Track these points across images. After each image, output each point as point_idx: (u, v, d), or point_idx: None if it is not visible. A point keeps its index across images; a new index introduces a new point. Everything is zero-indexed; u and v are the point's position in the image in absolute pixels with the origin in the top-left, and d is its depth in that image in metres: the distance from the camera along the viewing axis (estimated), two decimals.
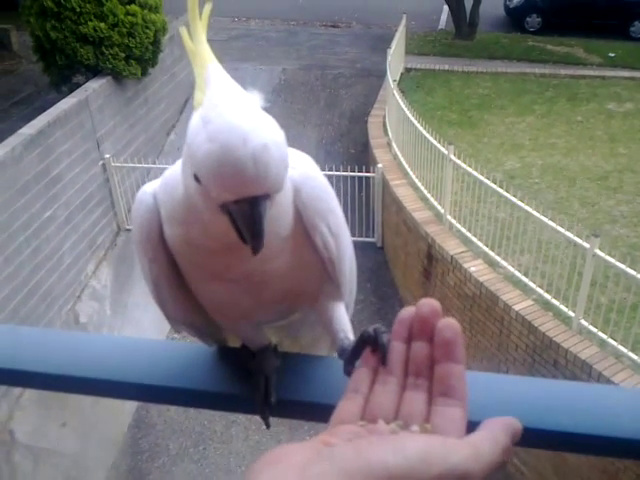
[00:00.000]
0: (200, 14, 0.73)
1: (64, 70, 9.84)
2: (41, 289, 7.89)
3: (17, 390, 7.06)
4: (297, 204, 0.81)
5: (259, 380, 0.87)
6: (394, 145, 9.80)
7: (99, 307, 8.89)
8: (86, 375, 0.90)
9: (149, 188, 0.84)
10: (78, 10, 9.38)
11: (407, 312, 0.62)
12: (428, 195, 8.41)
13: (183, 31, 0.72)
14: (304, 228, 0.83)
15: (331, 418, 0.59)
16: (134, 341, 1.04)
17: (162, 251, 0.83)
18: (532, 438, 0.72)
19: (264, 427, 0.88)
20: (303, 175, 0.82)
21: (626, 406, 0.78)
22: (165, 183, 0.82)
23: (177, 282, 0.87)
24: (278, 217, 0.75)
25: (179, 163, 0.76)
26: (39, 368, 0.92)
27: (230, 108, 0.66)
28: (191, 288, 0.88)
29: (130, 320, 8.93)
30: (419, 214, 8.17)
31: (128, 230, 9.84)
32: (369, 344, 0.68)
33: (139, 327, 8.76)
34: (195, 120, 0.67)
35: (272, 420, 0.86)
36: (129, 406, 8.02)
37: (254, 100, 0.68)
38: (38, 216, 7.89)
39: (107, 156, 9.39)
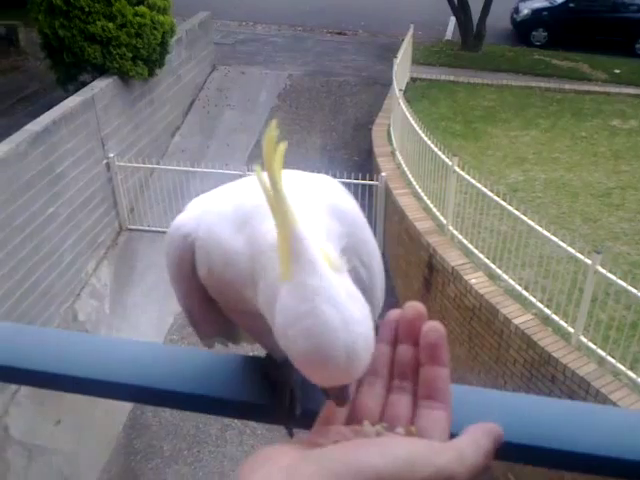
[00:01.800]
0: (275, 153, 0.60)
1: (71, 68, 9.86)
2: (40, 286, 7.88)
3: (13, 386, 7.05)
4: None
5: (284, 391, 0.86)
6: (398, 154, 9.82)
7: (98, 306, 8.88)
8: (107, 379, 0.90)
9: (185, 220, 0.78)
10: (87, 9, 9.41)
11: (393, 315, 0.63)
12: (431, 205, 8.42)
13: (262, 178, 0.60)
14: None
15: (317, 418, 0.61)
16: (157, 347, 1.04)
17: (195, 282, 0.81)
18: (517, 452, 0.75)
19: (259, 431, 0.88)
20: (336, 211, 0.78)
21: (611, 425, 0.80)
22: (209, 229, 0.75)
23: (210, 307, 0.86)
24: None
25: (221, 199, 0.74)
26: (62, 370, 0.92)
27: (323, 302, 0.60)
28: (224, 312, 0.87)
29: (129, 320, 8.92)
30: (421, 224, 8.18)
31: (130, 230, 9.83)
32: None
33: (138, 327, 8.75)
34: (287, 301, 0.61)
35: (265, 424, 0.86)
36: (124, 406, 8.00)
37: (343, 281, 0.62)
38: (40, 213, 7.89)
39: (111, 155, 9.40)
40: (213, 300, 0.85)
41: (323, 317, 0.60)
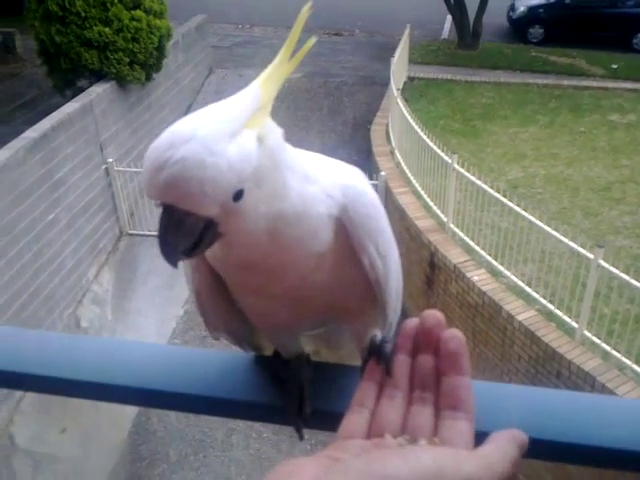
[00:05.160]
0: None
1: (68, 74, 9.85)
2: (42, 293, 7.86)
3: (18, 394, 7.03)
4: (345, 222, 0.79)
5: (293, 390, 0.86)
6: (397, 153, 9.81)
7: (100, 311, 8.86)
8: (116, 382, 0.89)
9: None
10: (83, 15, 9.40)
11: (411, 324, 0.63)
12: (431, 203, 8.41)
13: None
14: (350, 245, 0.80)
15: (337, 432, 0.59)
16: (160, 348, 1.03)
17: (204, 260, 0.82)
18: (536, 449, 0.72)
19: (265, 435, 0.87)
20: (352, 191, 0.80)
21: (632, 417, 0.78)
22: None
23: (219, 292, 0.86)
24: (303, 232, 0.74)
25: None
26: (79, 375, 0.90)
27: (194, 117, 0.66)
28: (233, 297, 0.87)
29: (132, 325, 8.91)
30: (422, 222, 8.17)
31: (130, 235, 9.82)
32: (374, 354, 0.68)
33: (140, 332, 8.74)
34: None
35: (271, 427, 0.85)
36: (129, 412, 7.98)
37: (240, 116, 0.67)
38: (40, 220, 7.87)
39: (110, 160, 9.39)
40: (224, 285, 0.85)
41: (183, 121, 0.66)
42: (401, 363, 0.62)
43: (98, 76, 9.76)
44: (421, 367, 0.61)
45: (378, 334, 0.89)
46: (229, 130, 0.65)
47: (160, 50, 10.21)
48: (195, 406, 0.92)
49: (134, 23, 9.68)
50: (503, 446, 0.53)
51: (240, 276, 0.80)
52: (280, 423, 0.88)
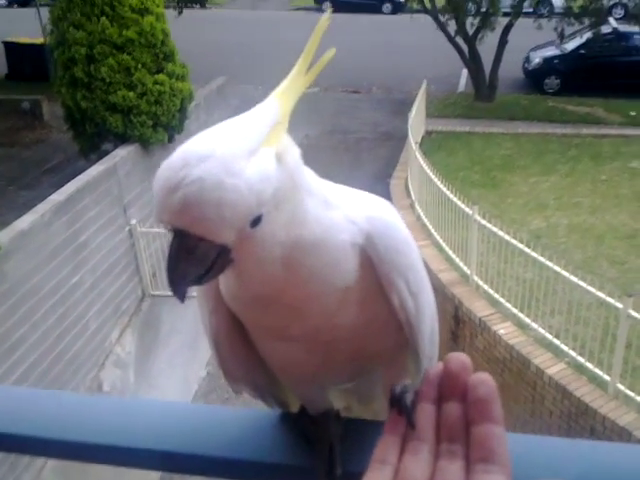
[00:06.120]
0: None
1: (93, 138, 10.10)
2: (66, 356, 7.87)
3: (39, 462, 6.95)
4: (370, 254, 0.73)
5: (322, 449, 0.79)
6: (417, 206, 9.81)
7: (123, 374, 8.82)
8: (132, 445, 0.84)
9: None
10: (108, 80, 9.69)
11: (435, 369, 0.57)
12: (453, 256, 8.34)
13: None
14: (378, 283, 0.74)
15: None
16: (181, 407, 0.98)
17: (222, 303, 0.77)
18: None
19: None
20: (380, 223, 0.75)
21: None
22: None
23: (238, 337, 0.81)
24: (322, 263, 0.68)
25: None
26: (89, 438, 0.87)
27: (208, 134, 0.61)
28: (254, 345, 0.81)
29: (154, 387, 8.83)
30: (445, 275, 8.09)
31: (153, 295, 9.85)
32: (393, 405, 0.61)
33: (163, 394, 8.66)
34: None
35: None
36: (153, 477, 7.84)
37: (259, 133, 0.62)
38: (65, 282, 7.94)
39: (134, 222, 9.50)
40: (244, 332, 0.80)
41: (194, 140, 0.61)
42: (425, 413, 0.56)
43: (122, 139, 9.99)
44: (448, 417, 0.55)
45: (402, 384, 0.81)
46: (248, 148, 0.60)
47: (182, 112, 10.45)
48: (215, 469, 0.85)
49: (157, 87, 9.95)
50: None
51: (257, 315, 0.74)
52: None
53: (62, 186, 8.46)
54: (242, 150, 0.59)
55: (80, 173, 8.93)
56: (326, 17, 0.66)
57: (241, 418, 0.88)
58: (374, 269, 0.73)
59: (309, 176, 0.70)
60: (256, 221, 0.61)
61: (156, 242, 9.76)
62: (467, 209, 7.93)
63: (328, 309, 0.71)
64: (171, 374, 8.91)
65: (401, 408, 0.59)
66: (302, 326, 0.73)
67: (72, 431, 0.88)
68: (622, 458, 0.74)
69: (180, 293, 0.63)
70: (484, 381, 0.54)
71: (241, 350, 0.82)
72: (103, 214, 8.90)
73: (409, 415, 0.57)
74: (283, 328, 0.73)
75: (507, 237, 7.39)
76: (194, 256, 0.61)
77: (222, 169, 0.57)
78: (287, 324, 0.73)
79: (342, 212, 0.72)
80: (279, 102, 0.66)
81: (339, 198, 0.74)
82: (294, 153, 0.67)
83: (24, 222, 7.38)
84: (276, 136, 0.64)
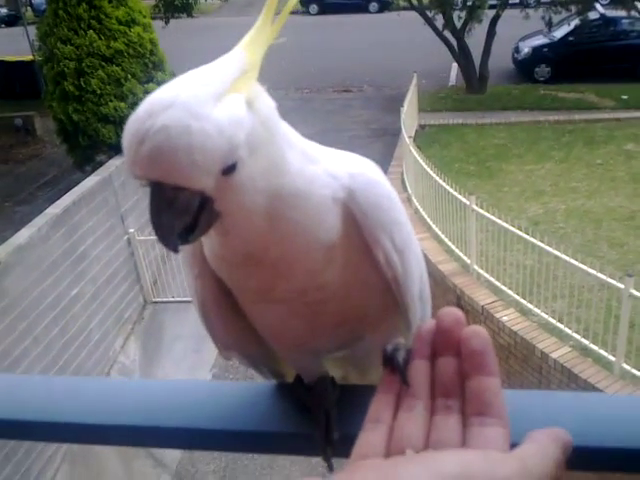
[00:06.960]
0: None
1: (87, 150, 10.13)
2: (71, 367, 7.86)
3: (50, 472, 6.95)
4: (353, 210, 0.72)
5: (319, 416, 0.79)
6: (414, 200, 9.81)
7: None
8: (130, 423, 0.84)
9: None
10: (99, 92, 9.72)
11: (427, 326, 0.56)
12: (453, 247, 8.34)
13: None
14: (363, 240, 0.73)
15: (352, 453, 0.53)
16: (176, 384, 0.98)
17: (208, 268, 0.76)
18: (588, 458, 0.65)
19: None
20: (362, 179, 0.74)
21: None
22: None
23: (226, 303, 0.80)
24: (306, 217, 0.68)
25: None
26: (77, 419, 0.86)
27: (172, 83, 0.60)
28: (243, 310, 0.80)
29: None
30: (445, 266, 8.08)
31: (155, 302, 9.85)
32: (386, 365, 0.61)
33: None
34: None
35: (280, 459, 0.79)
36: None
37: (224, 79, 0.61)
38: (66, 294, 7.94)
39: (131, 230, 9.51)
40: (232, 297, 0.79)
41: (163, 89, 0.59)
42: (419, 370, 0.55)
43: (116, 150, 10.00)
44: (442, 372, 0.54)
45: (394, 343, 0.78)
46: (213, 93, 0.59)
47: None
48: (216, 441, 0.86)
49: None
50: (544, 447, 0.46)
51: (242, 277, 0.73)
52: (307, 454, 0.82)
53: (57, 200, 8.47)
54: (207, 94, 0.59)
55: (75, 185, 8.95)
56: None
57: (239, 391, 0.89)
58: (358, 226, 0.73)
59: (288, 130, 0.70)
60: (232, 167, 0.60)
61: (155, 249, 9.76)
62: (464, 199, 7.92)
63: (313, 268, 0.71)
64: (176, 378, 8.89)
65: (394, 366, 0.59)
66: (288, 287, 0.72)
67: (63, 414, 0.88)
68: (624, 410, 0.74)
69: (172, 245, 0.63)
70: (478, 333, 0.53)
71: (229, 316, 0.81)
72: (101, 224, 8.91)
73: (402, 372, 0.57)
74: (269, 290, 0.72)
75: (506, 225, 7.38)
76: (176, 207, 0.60)
77: (187, 114, 0.57)
78: (273, 285, 0.72)
79: (323, 167, 0.72)
80: (246, 52, 0.65)
81: (320, 154, 0.73)
82: (267, 101, 0.66)
83: (22, 237, 7.39)
84: (245, 84, 0.63)
